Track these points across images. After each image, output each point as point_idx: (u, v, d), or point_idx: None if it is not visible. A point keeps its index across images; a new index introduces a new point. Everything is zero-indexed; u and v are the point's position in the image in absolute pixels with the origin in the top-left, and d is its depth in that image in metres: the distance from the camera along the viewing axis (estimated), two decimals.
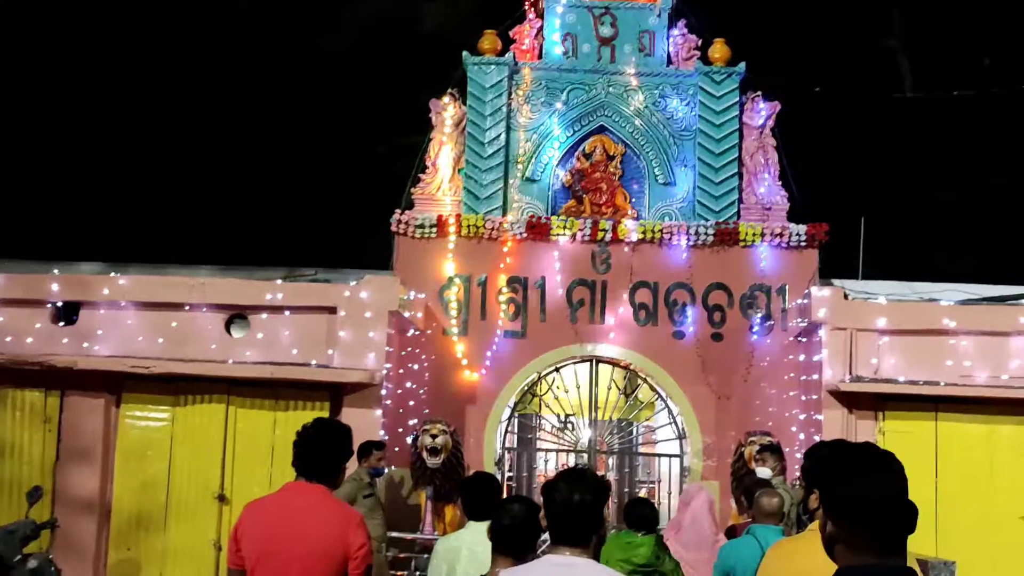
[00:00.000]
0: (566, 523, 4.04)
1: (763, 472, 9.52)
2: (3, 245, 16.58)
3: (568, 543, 4.02)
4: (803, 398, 12.49)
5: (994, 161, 23.63)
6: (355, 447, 6.23)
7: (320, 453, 5.12)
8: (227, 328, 12.13)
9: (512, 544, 4.63)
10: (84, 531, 11.65)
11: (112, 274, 12.40)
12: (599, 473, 4.48)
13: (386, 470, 11.39)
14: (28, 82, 23.57)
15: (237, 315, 12.13)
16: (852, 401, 11.67)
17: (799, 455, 12.21)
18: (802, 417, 12.49)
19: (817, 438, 11.74)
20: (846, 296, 12.07)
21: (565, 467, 9.45)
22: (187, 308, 12.04)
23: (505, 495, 7.93)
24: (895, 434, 11.53)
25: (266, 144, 23.74)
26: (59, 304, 12.13)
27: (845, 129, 22.19)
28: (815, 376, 11.98)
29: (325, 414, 11.55)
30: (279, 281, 12.35)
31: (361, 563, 4.97)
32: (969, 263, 21.15)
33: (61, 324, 12.13)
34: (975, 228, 23.10)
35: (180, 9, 24.90)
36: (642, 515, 7.46)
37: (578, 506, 4.04)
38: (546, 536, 4.58)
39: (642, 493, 14.35)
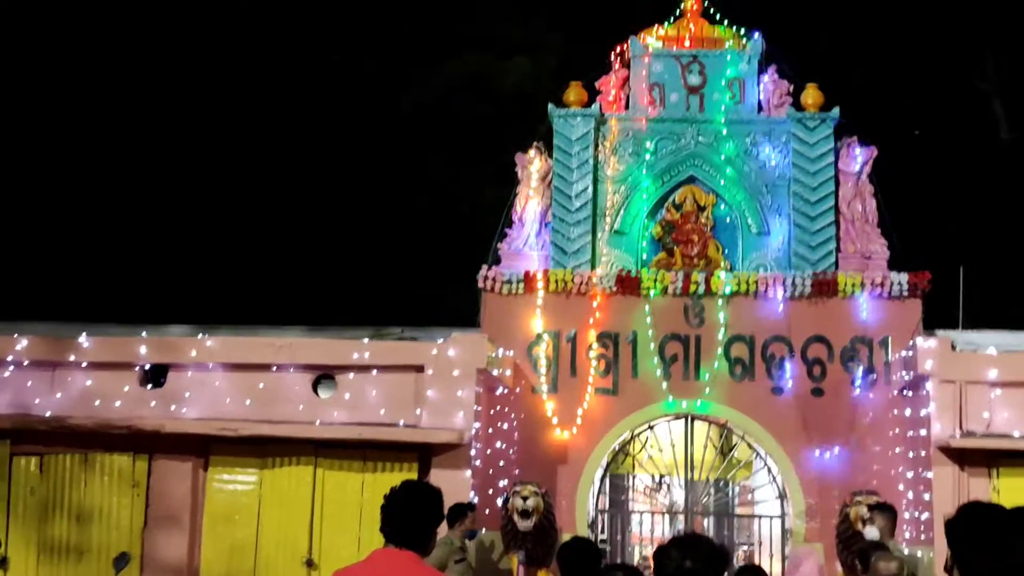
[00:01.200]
0: None
1: (871, 533, 9.11)
2: (93, 309, 16.78)
3: None
4: (910, 455, 12.03)
5: None
6: (445, 510, 6.01)
7: (409, 518, 4.89)
8: (314, 388, 12.03)
9: None
10: None
11: (200, 336, 12.39)
12: (714, 541, 4.11)
13: (478, 533, 11.15)
14: (112, 147, 23.99)
15: (324, 375, 12.04)
16: (963, 458, 11.19)
17: (908, 515, 11.80)
18: (910, 475, 12.01)
19: (927, 497, 11.33)
20: (953, 347, 11.63)
21: (673, 534, 9.15)
22: (274, 369, 11.99)
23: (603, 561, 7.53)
24: (1012, 492, 10.95)
25: (354, 203, 23.86)
26: (147, 367, 12.16)
27: (942, 174, 21.73)
28: (923, 432, 11.51)
29: (414, 476, 11.45)
30: (366, 340, 12.23)
31: None
32: None
33: (149, 387, 12.15)
34: None
35: (275, 65, 25.20)
36: None
37: (690, 574, 3.77)
38: None
39: (740, 556, 13.95)
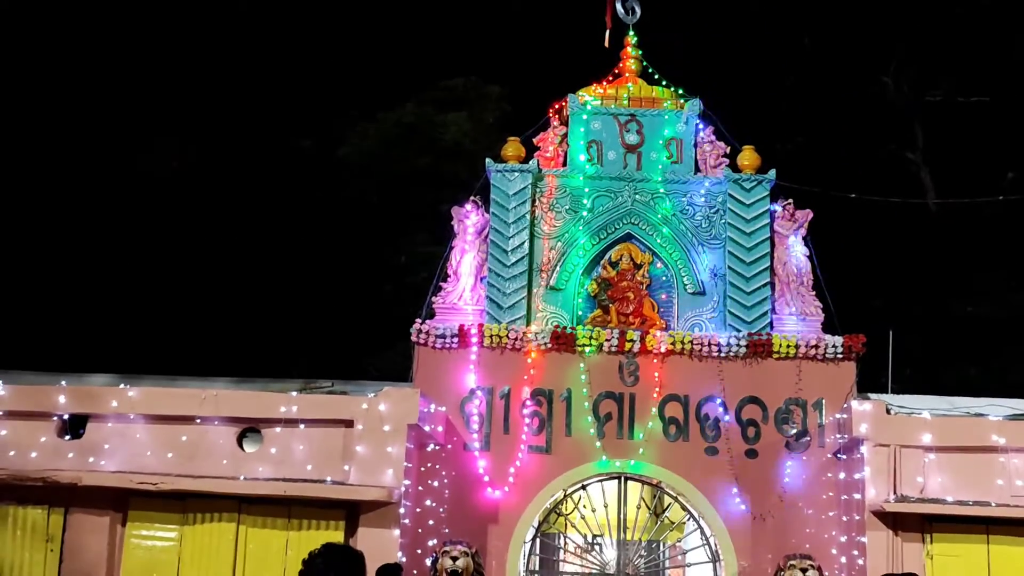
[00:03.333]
0: None
1: None
2: (9, 356, 16.35)
3: None
4: (844, 519, 11.96)
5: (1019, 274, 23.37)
6: (371, 572, 5.75)
7: None
8: (239, 442, 11.72)
9: None
10: None
11: (121, 385, 12.08)
12: None
13: None
14: (40, 184, 23.65)
15: (250, 429, 11.75)
16: (897, 522, 11.14)
17: None
18: (843, 539, 11.94)
19: (860, 562, 11.29)
20: (888, 411, 11.61)
21: None
22: (198, 421, 11.67)
23: None
24: (944, 558, 11.03)
25: (283, 253, 23.66)
26: (65, 417, 11.79)
27: (872, 240, 22.07)
28: (857, 495, 11.46)
29: (340, 533, 11.22)
30: (294, 393, 11.98)
31: None
32: (1000, 378, 20.79)
33: (67, 438, 11.77)
34: (1005, 341, 22.70)
35: (207, 107, 24.99)
36: None
37: None
38: None
39: None
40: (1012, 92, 25.17)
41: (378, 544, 10.87)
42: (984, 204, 21.48)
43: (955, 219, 23.77)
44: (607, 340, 12.81)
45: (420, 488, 12.26)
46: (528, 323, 13.09)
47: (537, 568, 13.19)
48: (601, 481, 12.90)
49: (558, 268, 13.41)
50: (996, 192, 22.09)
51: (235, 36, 25.84)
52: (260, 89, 25.60)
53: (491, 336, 12.85)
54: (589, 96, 14.00)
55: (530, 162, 13.65)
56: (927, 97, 26.65)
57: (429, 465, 12.44)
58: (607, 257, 13.56)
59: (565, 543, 13.59)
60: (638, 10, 14.55)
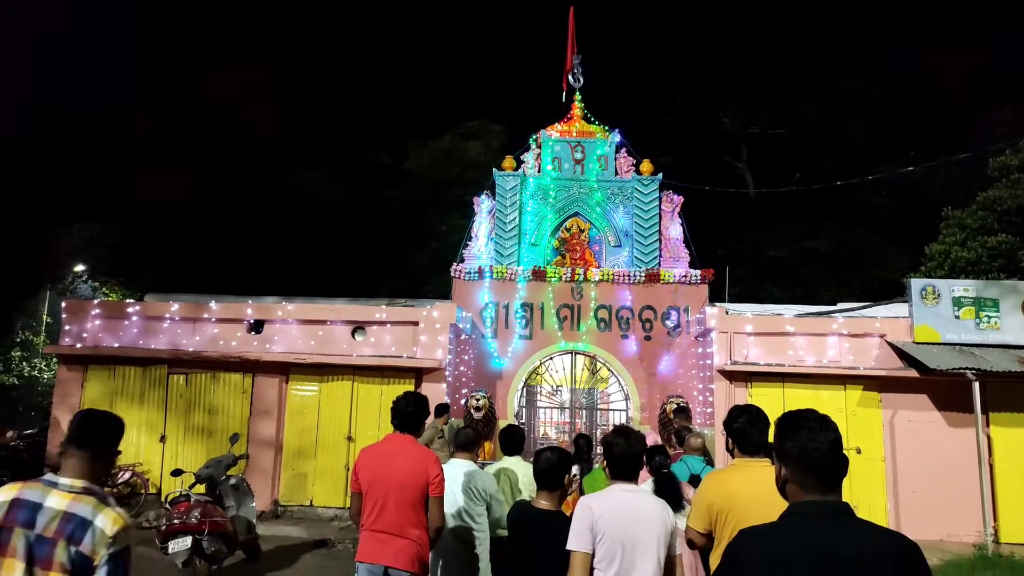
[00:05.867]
0: (627, 465, 3.55)
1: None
2: (218, 283, 16.27)
3: (627, 478, 3.53)
4: (701, 376, 11.96)
5: (806, 231, 23.23)
6: (431, 408, 5.75)
7: (407, 415, 4.65)
8: (352, 335, 11.70)
9: (549, 481, 4.02)
10: (266, 460, 11.18)
11: (283, 302, 12.03)
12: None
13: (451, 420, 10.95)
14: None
15: (358, 327, 11.72)
16: (732, 377, 11.16)
17: (699, 410, 11.76)
18: (700, 387, 11.95)
19: (711, 400, 11.28)
20: (727, 312, 11.60)
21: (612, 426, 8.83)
22: (328, 323, 11.64)
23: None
24: (758, 397, 11.03)
25: (377, 226, 23.58)
26: (251, 321, 11.76)
27: (718, 213, 21.93)
28: (709, 362, 11.46)
29: (411, 385, 11.23)
30: (384, 306, 11.94)
31: (438, 486, 4.48)
32: (790, 292, 20.79)
33: (252, 333, 11.75)
34: (793, 271, 22.63)
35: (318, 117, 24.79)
36: None
37: (636, 455, 3.55)
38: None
39: (601, 432, 13.84)
40: (803, 124, 25.02)
41: (434, 391, 10.92)
42: (782, 191, 21.35)
43: (766, 201, 23.67)
44: (564, 275, 12.75)
45: (457, 360, 12.24)
46: (518, 265, 13.00)
47: (524, 404, 13.29)
48: (561, 355, 12.94)
49: (535, 233, 13.30)
50: (790, 184, 21.96)
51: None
52: (360, 122, 25.35)
53: (497, 272, 12.78)
54: (552, 131, 13.80)
55: (519, 170, 13.48)
56: (749, 129, 26.43)
57: (462, 347, 12.43)
58: (564, 226, 13.44)
59: (541, 390, 13.65)
60: (582, 79, 14.30)
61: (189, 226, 22.69)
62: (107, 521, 2.82)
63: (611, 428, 3.86)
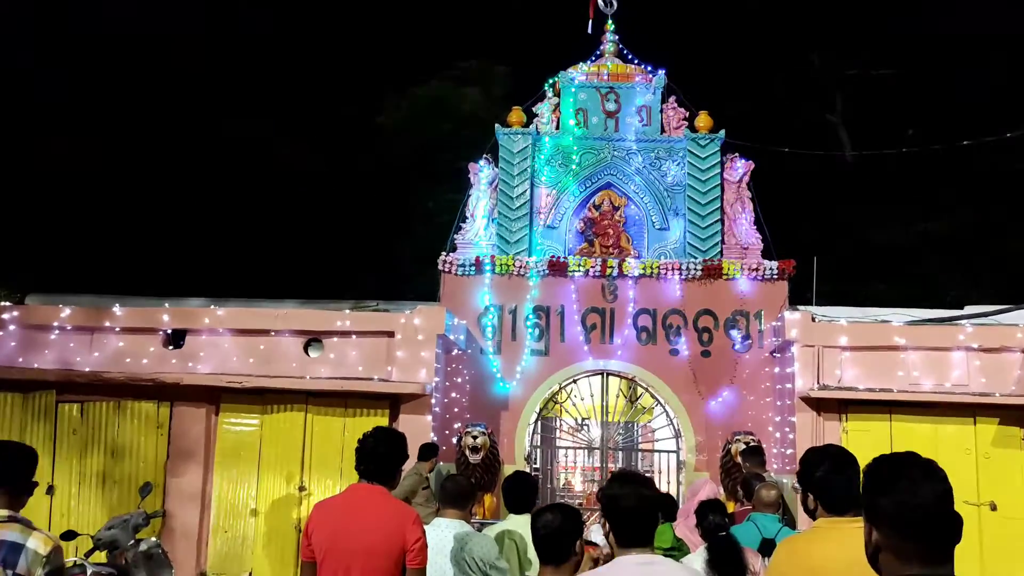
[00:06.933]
0: (639, 524, 3.44)
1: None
2: (124, 283, 16.35)
3: (641, 543, 3.41)
4: (778, 403, 11.99)
5: (922, 209, 23.26)
6: (410, 451, 5.76)
7: (379, 458, 4.67)
8: (305, 350, 11.74)
9: (552, 552, 3.92)
10: (189, 518, 11.23)
11: (212, 306, 12.09)
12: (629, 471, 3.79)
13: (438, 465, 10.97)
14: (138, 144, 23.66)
15: (313, 339, 11.76)
16: (820, 406, 11.16)
17: (776, 450, 11.78)
18: (777, 419, 11.99)
19: (791, 437, 11.31)
20: (813, 319, 11.59)
21: (607, 473, 8.83)
22: (272, 334, 11.69)
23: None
24: (856, 433, 11.05)
25: (339, 200, 23.64)
26: (169, 331, 11.82)
27: (802, 184, 21.92)
28: (788, 385, 11.48)
29: (386, 419, 11.23)
30: (347, 311, 11.97)
31: (418, 555, 4.51)
32: (902, 292, 20.75)
33: (170, 348, 11.81)
34: (907, 263, 22.63)
35: (284, 77, 24.92)
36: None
37: (648, 501, 3.46)
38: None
39: None
40: (912, 65, 24.92)
41: (415, 427, 10.89)
42: (889, 155, 21.28)
43: (866, 167, 23.61)
44: (592, 267, 12.76)
45: (447, 384, 12.28)
46: (530, 254, 13.02)
47: (539, 443, 13.31)
48: (588, 376, 12.96)
49: (553, 210, 13.32)
50: (899, 145, 21.86)
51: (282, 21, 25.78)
52: (313, 63, 25.47)
53: (501, 265, 12.80)
54: (576, 73, 13.79)
55: (530, 126, 13.50)
56: (846, 71, 26.38)
57: (454, 366, 12.47)
58: (591, 201, 13.45)
59: (560, 424, 13.68)
60: (615, 2, 14.29)
61: (85, 204, 22.79)
62: (38, 543, 4.05)
63: (613, 475, 3.79)
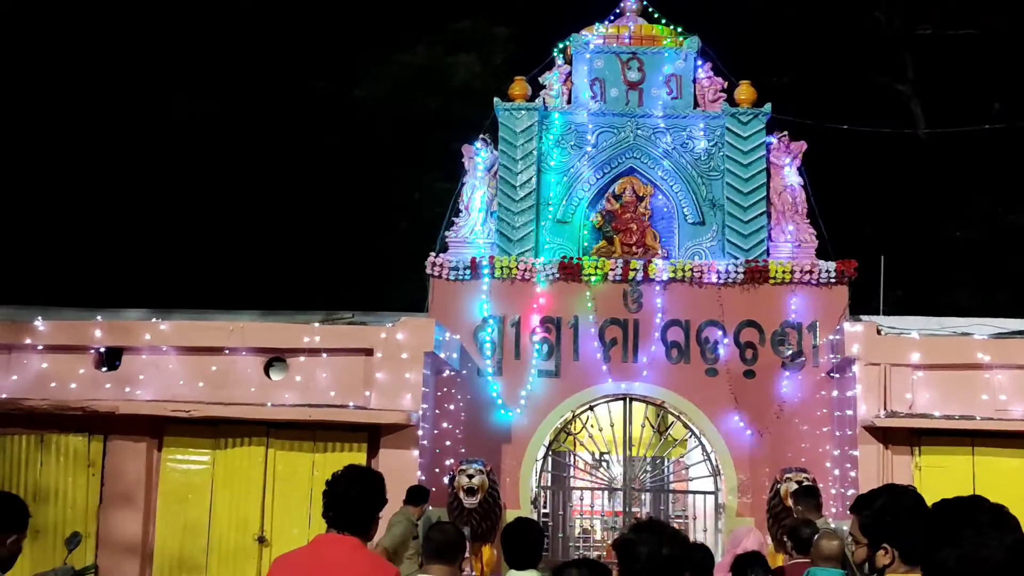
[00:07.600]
0: None
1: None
2: (48, 293, 16.39)
3: None
4: (837, 434, 11.99)
5: (1010, 198, 23.22)
6: (391, 491, 5.77)
7: (351, 504, 4.64)
8: (266, 371, 11.77)
9: None
10: (127, 574, 11.22)
11: (154, 320, 12.11)
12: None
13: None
14: (66, 135, 23.59)
15: (276, 358, 11.78)
16: (887, 436, 11.14)
17: (834, 491, 11.77)
18: (836, 453, 11.99)
19: (852, 474, 11.30)
20: (879, 331, 11.58)
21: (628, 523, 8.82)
22: (227, 352, 11.70)
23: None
24: (932, 469, 11.03)
25: (303, 190, 23.62)
26: (102, 350, 11.82)
27: (866, 170, 21.90)
28: (849, 412, 11.48)
29: (363, 456, 11.25)
30: (317, 324, 12.02)
31: None
32: (988, 298, 20.73)
33: (104, 370, 11.82)
34: (993, 264, 22.62)
35: (230, 52, 24.83)
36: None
37: (670, 561, 3.52)
38: None
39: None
40: (998, 25, 24.83)
41: (399, 464, 10.90)
42: (972, 133, 21.26)
43: (944, 147, 23.55)
44: (611, 269, 12.78)
45: (437, 411, 12.31)
46: (536, 255, 13.05)
47: (549, 484, 13.30)
48: (607, 402, 12.96)
49: (564, 202, 13.35)
50: (983, 121, 21.82)
51: None
52: (276, 31, 25.43)
53: (501, 267, 12.82)
54: (591, 36, 13.82)
55: (536, 100, 13.53)
56: (917, 31, 26.32)
57: (445, 390, 12.50)
58: (611, 190, 13.49)
59: (575, 460, 13.68)
60: None
61: None
62: None
63: (635, 523, 3.80)
